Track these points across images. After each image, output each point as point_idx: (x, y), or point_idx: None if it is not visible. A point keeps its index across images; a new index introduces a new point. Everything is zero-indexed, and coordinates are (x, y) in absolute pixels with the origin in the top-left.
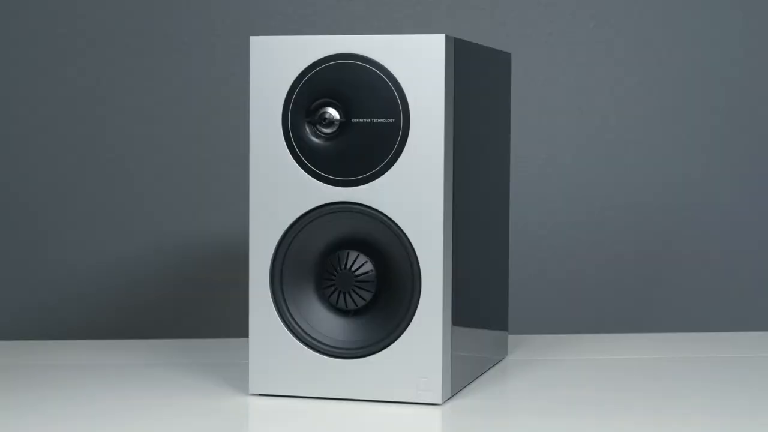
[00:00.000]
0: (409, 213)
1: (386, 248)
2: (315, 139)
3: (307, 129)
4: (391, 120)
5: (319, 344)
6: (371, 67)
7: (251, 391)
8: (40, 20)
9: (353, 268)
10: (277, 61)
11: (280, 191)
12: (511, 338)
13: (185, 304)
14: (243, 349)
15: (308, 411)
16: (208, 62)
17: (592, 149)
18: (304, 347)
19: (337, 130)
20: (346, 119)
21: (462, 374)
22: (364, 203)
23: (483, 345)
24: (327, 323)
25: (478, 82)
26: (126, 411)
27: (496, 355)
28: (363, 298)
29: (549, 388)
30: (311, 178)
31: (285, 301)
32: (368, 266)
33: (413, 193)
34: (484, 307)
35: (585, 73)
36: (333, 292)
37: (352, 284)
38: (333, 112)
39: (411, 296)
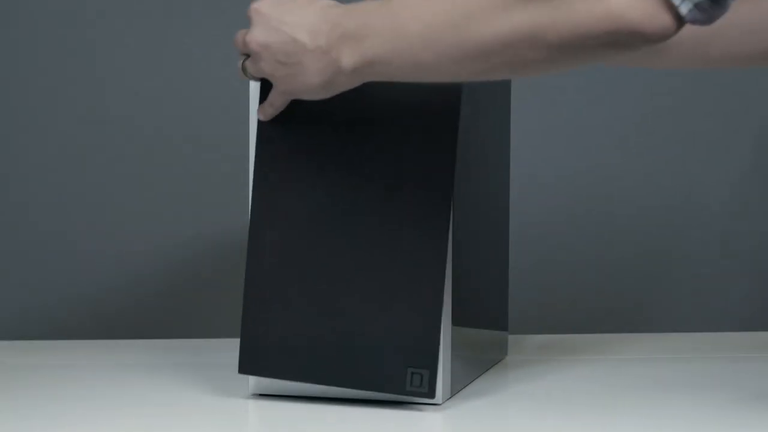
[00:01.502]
0: None
1: None
2: None
3: None
4: None
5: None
6: None
7: (251, 391)
8: (40, 19)
9: None
10: None
11: None
12: (511, 338)
13: (185, 304)
14: None
15: (308, 411)
16: (209, 62)
17: (592, 149)
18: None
19: None
20: None
21: (462, 374)
22: None
23: (483, 345)
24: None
25: (478, 81)
26: (126, 411)
27: (496, 355)
28: None
29: (549, 388)
30: None
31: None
32: None
33: None
34: (484, 307)
35: (585, 72)
36: None
37: None
38: None
39: None
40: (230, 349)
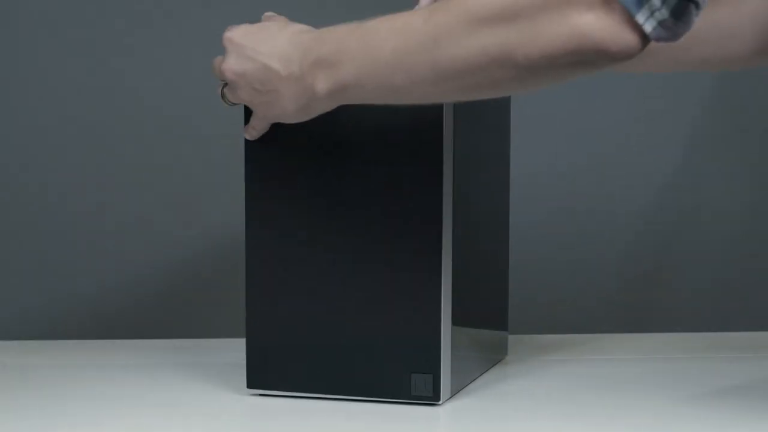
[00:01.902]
0: None
1: None
2: None
3: None
4: None
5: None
6: None
7: (251, 391)
8: (40, 18)
9: None
10: None
11: None
12: (511, 338)
13: (184, 304)
14: (243, 349)
15: (308, 411)
16: (209, 62)
17: (592, 150)
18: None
19: None
20: None
21: (462, 374)
22: None
23: (483, 345)
24: None
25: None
26: (126, 411)
27: (496, 355)
28: None
29: (549, 388)
30: None
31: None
32: None
33: None
34: (484, 307)
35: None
36: None
37: None
38: None
39: None
40: (230, 349)
